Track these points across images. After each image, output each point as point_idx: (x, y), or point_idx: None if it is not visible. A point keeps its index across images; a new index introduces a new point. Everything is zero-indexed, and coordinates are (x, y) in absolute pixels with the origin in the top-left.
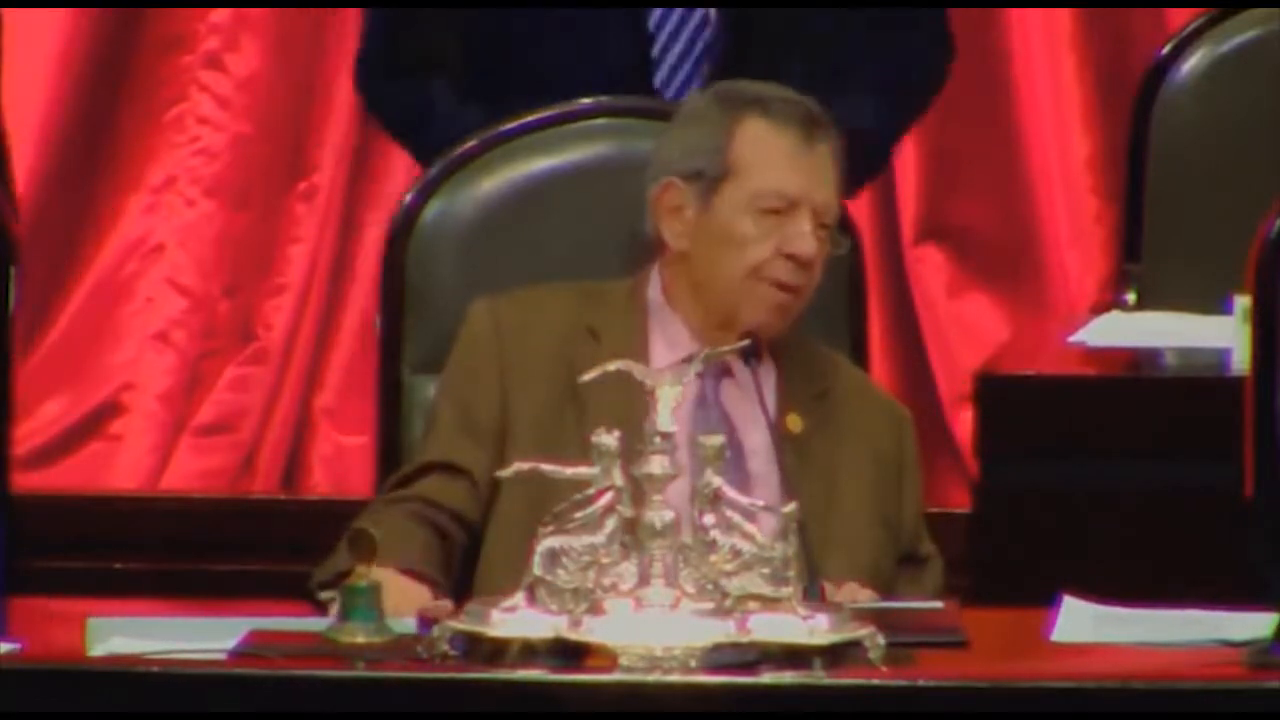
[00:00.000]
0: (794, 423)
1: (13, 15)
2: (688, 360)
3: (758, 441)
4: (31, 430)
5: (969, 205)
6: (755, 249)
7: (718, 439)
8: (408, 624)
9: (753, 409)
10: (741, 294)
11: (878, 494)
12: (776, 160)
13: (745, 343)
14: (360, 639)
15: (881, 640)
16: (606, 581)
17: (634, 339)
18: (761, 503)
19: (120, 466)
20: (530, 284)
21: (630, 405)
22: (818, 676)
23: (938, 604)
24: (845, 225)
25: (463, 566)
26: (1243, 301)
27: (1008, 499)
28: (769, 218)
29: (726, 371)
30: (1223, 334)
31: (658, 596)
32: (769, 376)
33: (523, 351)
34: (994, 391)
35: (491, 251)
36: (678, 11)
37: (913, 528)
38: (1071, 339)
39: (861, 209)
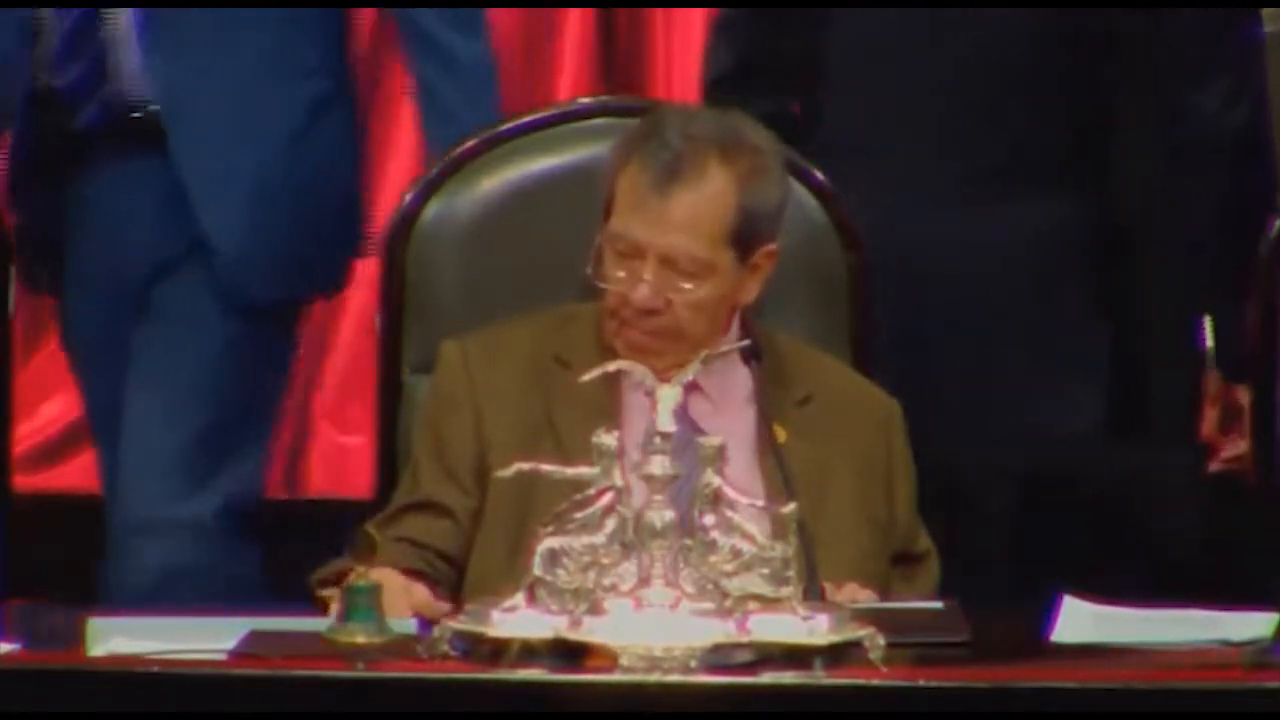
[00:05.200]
0: (777, 433)
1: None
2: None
3: (735, 451)
4: (31, 430)
5: None
6: (612, 290)
7: (717, 440)
8: (408, 624)
9: (726, 419)
10: (610, 330)
11: (866, 498)
12: (630, 203)
13: (744, 343)
14: (360, 639)
15: (881, 640)
16: (606, 581)
17: (604, 361)
18: (760, 502)
19: None
20: (497, 320)
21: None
22: (818, 676)
23: (938, 604)
24: (848, 229)
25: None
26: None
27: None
28: (623, 260)
29: (692, 385)
30: None
31: (658, 596)
32: (746, 383)
33: (494, 387)
34: None
35: (491, 251)
36: None
37: (905, 525)
38: None
39: None
